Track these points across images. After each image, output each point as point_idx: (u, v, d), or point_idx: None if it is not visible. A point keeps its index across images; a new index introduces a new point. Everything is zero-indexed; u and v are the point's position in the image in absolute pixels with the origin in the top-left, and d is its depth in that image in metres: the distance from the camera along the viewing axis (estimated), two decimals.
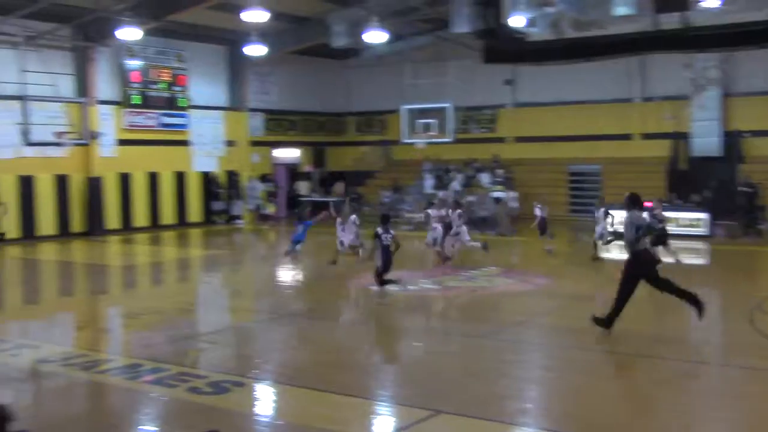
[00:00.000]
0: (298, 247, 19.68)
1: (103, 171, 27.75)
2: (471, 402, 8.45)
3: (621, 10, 20.55)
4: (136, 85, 28.53)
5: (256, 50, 27.50)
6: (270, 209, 31.74)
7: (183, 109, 30.10)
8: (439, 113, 29.56)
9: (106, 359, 10.86)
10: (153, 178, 29.56)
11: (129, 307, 15.01)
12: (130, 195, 28.72)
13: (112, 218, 28.28)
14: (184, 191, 30.53)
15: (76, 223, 27.33)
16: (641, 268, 10.92)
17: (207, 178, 31.12)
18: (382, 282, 14.49)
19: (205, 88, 31.08)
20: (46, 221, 26.75)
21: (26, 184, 26.18)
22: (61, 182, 27.01)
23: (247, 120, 32.71)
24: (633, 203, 11.14)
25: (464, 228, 18.74)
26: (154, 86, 29.08)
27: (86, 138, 26.20)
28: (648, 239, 11.13)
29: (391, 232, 14.63)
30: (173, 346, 11.32)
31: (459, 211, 19.05)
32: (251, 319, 13.93)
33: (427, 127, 29.71)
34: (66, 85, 26.35)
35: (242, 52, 28.44)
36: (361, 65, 34.75)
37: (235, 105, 32.18)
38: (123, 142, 28.42)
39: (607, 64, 27.12)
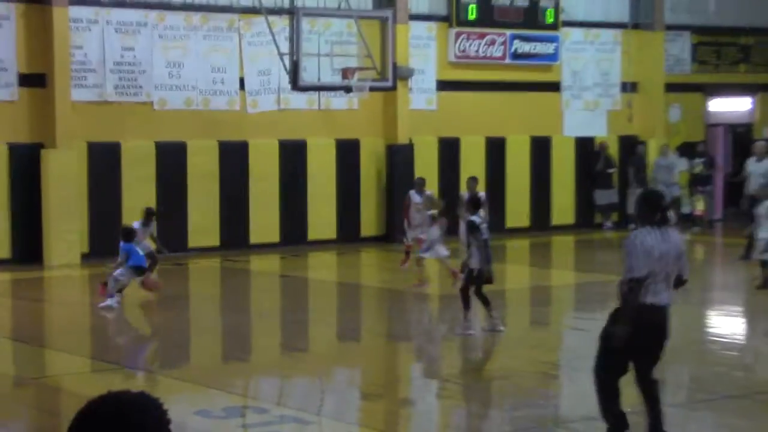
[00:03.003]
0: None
1: (413, 133, 25.51)
2: None
3: None
4: None
5: None
6: (698, 206, 27.97)
7: (551, 27, 27.39)
8: None
9: None
10: (494, 149, 26.84)
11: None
12: (457, 175, 25.97)
13: None
14: (549, 171, 27.63)
15: (367, 222, 25.17)
16: None
17: (587, 150, 27.99)
18: (467, 296, 14.23)
19: None
20: (318, 221, 24.52)
21: (293, 155, 24.07)
22: (346, 152, 24.90)
23: (662, 46, 29.10)
24: None
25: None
26: None
27: (389, 79, 23.30)
28: None
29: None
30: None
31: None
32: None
33: None
34: None
35: None
36: None
37: (640, 20, 29.02)
38: (447, 86, 26.26)
39: None
